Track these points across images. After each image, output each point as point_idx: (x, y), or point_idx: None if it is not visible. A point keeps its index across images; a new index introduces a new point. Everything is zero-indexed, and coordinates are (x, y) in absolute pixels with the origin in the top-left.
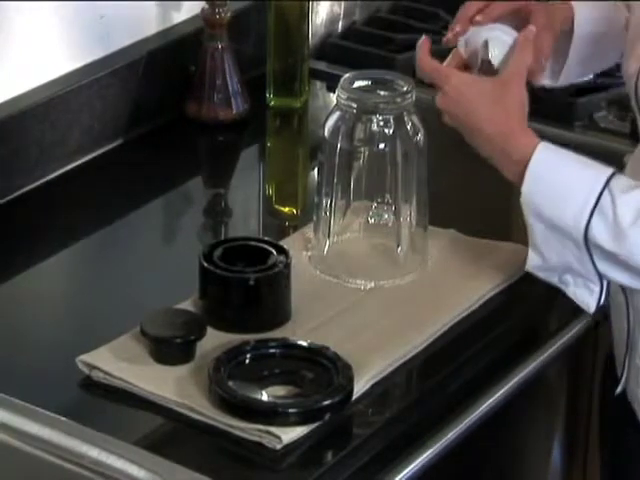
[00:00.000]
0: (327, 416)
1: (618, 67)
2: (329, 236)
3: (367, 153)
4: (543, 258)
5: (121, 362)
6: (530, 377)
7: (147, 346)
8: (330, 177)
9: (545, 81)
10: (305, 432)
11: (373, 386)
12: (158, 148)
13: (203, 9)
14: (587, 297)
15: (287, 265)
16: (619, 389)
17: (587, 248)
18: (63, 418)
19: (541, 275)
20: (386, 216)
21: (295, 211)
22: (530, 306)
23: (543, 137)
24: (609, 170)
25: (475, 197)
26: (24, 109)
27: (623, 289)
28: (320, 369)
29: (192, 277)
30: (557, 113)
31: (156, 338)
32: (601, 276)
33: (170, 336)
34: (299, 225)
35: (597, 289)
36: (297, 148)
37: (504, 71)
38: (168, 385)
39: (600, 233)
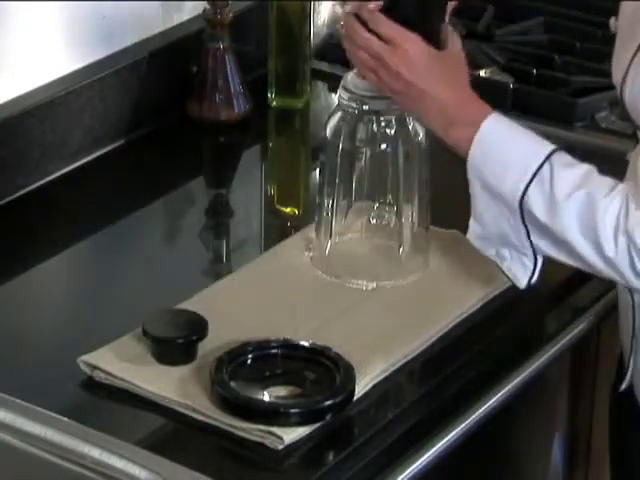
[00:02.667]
0: (329, 416)
1: None
2: (331, 236)
3: (369, 153)
4: (483, 226)
5: (123, 362)
6: (531, 378)
7: (149, 346)
8: (332, 177)
9: None
10: (307, 432)
11: (375, 386)
12: (160, 148)
13: (205, 9)
14: (520, 273)
15: None
16: (623, 386)
17: (522, 217)
18: (65, 418)
19: (480, 245)
20: (388, 216)
21: (297, 211)
22: (532, 307)
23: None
24: (553, 145)
25: None
26: (25, 109)
27: (630, 289)
28: (322, 369)
29: (194, 277)
30: (558, 113)
31: (158, 338)
32: (535, 251)
33: (172, 336)
34: (301, 225)
35: (530, 265)
36: (299, 148)
37: (449, 50)
38: (170, 385)
39: (535, 202)
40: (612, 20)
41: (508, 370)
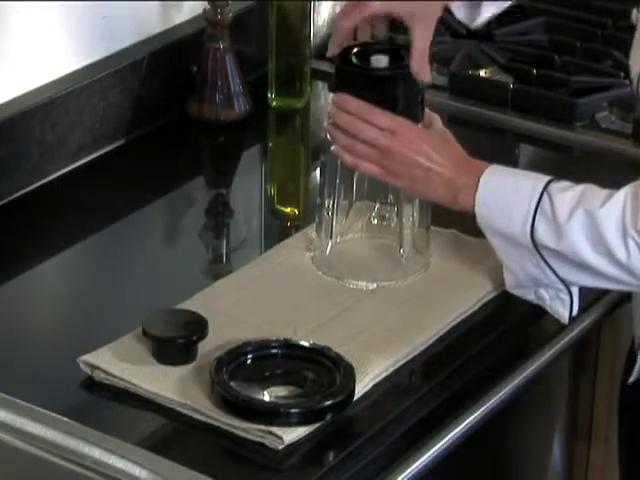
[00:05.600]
0: (329, 416)
1: (619, 67)
2: (331, 237)
3: None
4: (513, 275)
5: (123, 362)
6: (531, 378)
7: (149, 346)
8: (332, 178)
9: (460, 16)
10: (307, 432)
11: (375, 386)
12: (160, 149)
13: (205, 9)
14: (561, 308)
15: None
16: (632, 378)
17: (538, 252)
18: (65, 418)
19: (519, 293)
20: (388, 217)
21: (297, 211)
22: (532, 306)
23: (544, 138)
24: (547, 177)
25: None
26: (25, 109)
27: None
28: (322, 369)
29: (194, 277)
30: (558, 113)
31: (158, 338)
32: (565, 283)
33: (172, 336)
34: (301, 225)
35: (567, 298)
36: (299, 148)
37: (435, 128)
38: (170, 385)
39: (544, 233)
40: (634, 12)
41: (508, 370)
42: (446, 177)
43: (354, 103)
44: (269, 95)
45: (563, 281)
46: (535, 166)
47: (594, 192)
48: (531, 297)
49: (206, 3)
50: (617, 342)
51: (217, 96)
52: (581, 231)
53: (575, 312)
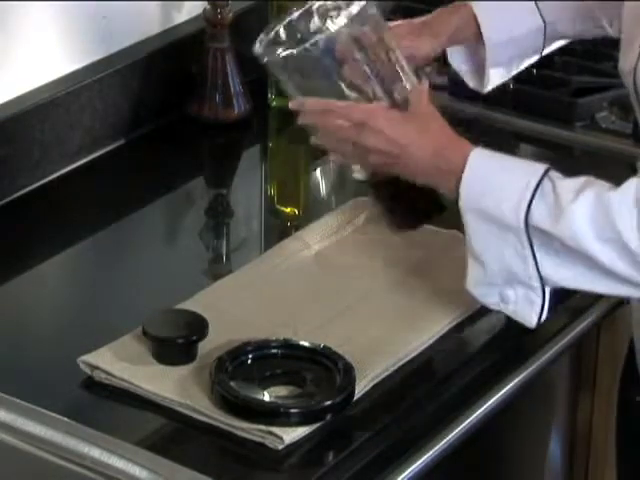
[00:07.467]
0: (329, 416)
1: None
2: (332, 234)
3: None
4: (484, 266)
5: (123, 362)
6: (531, 378)
7: (149, 346)
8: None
9: (472, 84)
10: (307, 432)
11: (375, 386)
12: (159, 148)
13: (205, 9)
14: (528, 310)
15: None
16: None
17: (528, 238)
18: (65, 418)
19: (481, 292)
20: None
21: (297, 211)
22: None
23: (544, 138)
24: (546, 164)
25: None
26: (26, 109)
27: None
28: (322, 369)
29: (194, 277)
30: (558, 113)
31: (158, 338)
32: (543, 280)
33: (172, 336)
34: (301, 225)
35: (539, 300)
36: (299, 148)
37: (415, 107)
38: (170, 385)
39: (541, 215)
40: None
41: (508, 370)
42: (425, 162)
43: (317, 103)
44: (269, 95)
45: (542, 278)
46: None
47: (600, 181)
48: (493, 299)
49: (206, 3)
50: (617, 342)
51: (217, 96)
52: (587, 214)
53: (544, 317)
